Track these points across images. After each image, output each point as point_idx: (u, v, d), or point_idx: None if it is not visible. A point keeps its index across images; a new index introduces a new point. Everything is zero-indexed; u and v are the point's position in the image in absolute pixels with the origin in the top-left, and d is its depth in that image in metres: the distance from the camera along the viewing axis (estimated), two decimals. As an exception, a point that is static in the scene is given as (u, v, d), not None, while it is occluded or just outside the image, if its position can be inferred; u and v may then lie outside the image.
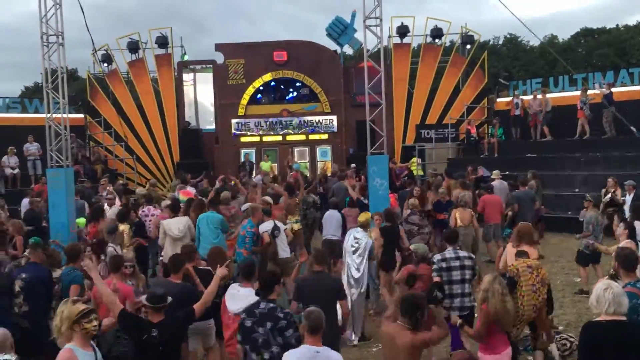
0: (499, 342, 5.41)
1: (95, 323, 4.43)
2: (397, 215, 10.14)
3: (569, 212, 14.41)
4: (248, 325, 5.10)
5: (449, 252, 6.87)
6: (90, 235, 10.07)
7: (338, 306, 6.22)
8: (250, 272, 6.04)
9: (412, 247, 7.78)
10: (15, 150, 17.95)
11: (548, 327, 6.74)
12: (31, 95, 34.13)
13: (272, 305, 5.14)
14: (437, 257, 6.89)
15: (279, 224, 9.56)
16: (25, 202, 13.15)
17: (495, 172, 14.64)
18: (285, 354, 4.51)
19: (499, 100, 22.27)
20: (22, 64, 78.39)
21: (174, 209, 9.75)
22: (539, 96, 18.48)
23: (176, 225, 9.34)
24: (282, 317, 5.05)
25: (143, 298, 5.20)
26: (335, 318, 6.01)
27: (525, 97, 20.08)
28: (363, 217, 8.90)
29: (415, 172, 18.51)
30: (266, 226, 9.32)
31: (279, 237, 9.33)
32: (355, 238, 8.52)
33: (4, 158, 17.62)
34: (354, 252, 8.38)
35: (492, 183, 13.51)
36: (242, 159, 21.53)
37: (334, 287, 6.18)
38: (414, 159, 20.51)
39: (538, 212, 13.42)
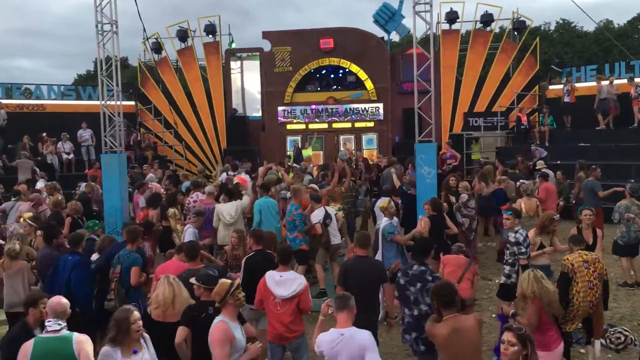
0: (552, 339, 5.32)
1: (243, 293, 4.89)
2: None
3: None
4: (402, 284, 5.77)
5: None
6: (140, 218, 10.37)
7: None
8: (288, 257, 6.13)
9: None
10: (68, 136, 18.56)
11: (602, 322, 6.57)
12: (84, 83, 35.18)
13: (423, 268, 5.75)
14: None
15: (330, 210, 9.60)
16: (82, 185, 13.59)
17: (539, 162, 14.34)
18: (322, 337, 4.57)
19: (551, 87, 21.61)
20: (75, 53, 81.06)
21: (229, 194, 9.95)
22: (595, 83, 17.87)
23: (228, 210, 9.55)
24: (430, 280, 5.62)
25: (193, 279, 5.32)
26: (378, 303, 5.99)
27: (578, 85, 19.46)
28: (382, 203, 8.94)
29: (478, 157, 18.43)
30: (318, 215, 9.33)
31: (330, 224, 9.40)
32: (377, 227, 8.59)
33: (59, 144, 18.24)
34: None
35: (544, 170, 13.22)
36: (291, 146, 21.77)
37: (378, 272, 6.12)
38: (475, 146, 20.34)
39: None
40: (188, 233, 8.53)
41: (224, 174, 14.23)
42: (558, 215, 8.26)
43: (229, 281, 4.87)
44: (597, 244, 8.01)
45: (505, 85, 21.53)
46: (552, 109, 19.39)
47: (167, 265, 6.77)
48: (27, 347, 4.39)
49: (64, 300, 4.69)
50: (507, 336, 4.02)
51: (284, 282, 5.73)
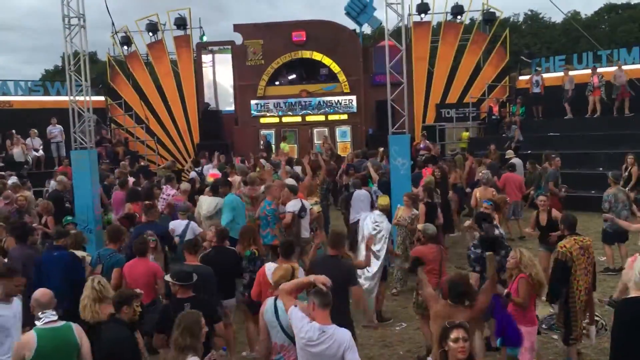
0: (534, 315, 5.85)
1: None
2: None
3: (592, 191, 14.24)
4: None
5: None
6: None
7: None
8: (291, 250, 6.12)
9: (419, 227, 7.55)
10: (37, 132, 18.16)
11: (594, 307, 6.64)
12: (52, 78, 34.47)
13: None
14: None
15: (306, 203, 9.56)
16: (52, 183, 13.33)
17: (509, 151, 14.60)
18: (299, 324, 4.41)
19: (521, 78, 21.91)
20: (43, 48, 79.29)
21: (213, 189, 9.99)
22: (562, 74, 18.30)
23: (208, 204, 9.61)
24: None
25: (168, 277, 5.28)
26: (347, 306, 5.75)
27: (546, 75, 19.79)
28: (384, 200, 8.81)
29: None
30: (293, 205, 9.29)
31: (304, 217, 9.36)
32: (376, 222, 8.45)
33: (27, 140, 17.85)
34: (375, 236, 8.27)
35: (512, 161, 13.47)
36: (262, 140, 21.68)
37: (347, 273, 5.85)
38: (466, 134, 20.48)
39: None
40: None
41: (194, 172, 14.13)
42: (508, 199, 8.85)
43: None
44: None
45: (477, 76, 21.76)
46: (523, 99, 19.70)
47: (134, 262, 6.73)
48: (30, 338, 4.36)
49: (48, 290, 4.68)
50: (460, 333, 3.85)
51: None
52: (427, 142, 17.95)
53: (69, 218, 8.79)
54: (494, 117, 19.75)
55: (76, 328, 4.50)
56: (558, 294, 6.06)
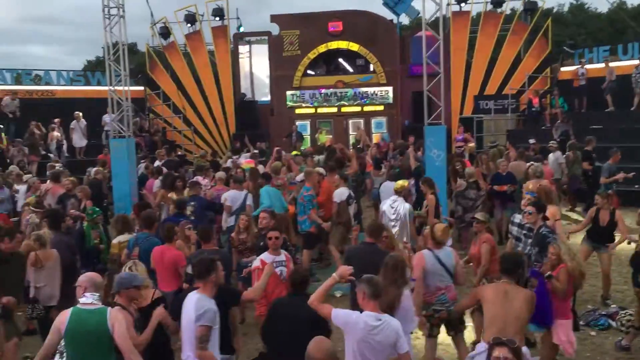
0: (569, 308, 5.83)
1: None
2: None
3: (636, 186, 13.78)
4: None
5: None
6: (168, 200, 10.33)
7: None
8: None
9: (479, 216, 7.35)
10: (81, 114, 18.41)
11: None
12: (93, 69, 35.19)
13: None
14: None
15: (351, 192, 9.59)
16: (92, 170, 13.61)
17: (551, 142, 14.26)
18: (352, 318, 4.39)
19: (563, 69, 21.32)
20: (86, 39, 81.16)
21: (238, 181, 10.08)
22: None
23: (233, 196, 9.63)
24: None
25: (189, 268, 5.30)
26: None
27: (589, 66, 19.22)
28: (399, 184, 8.83)
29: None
30: (341, 193, 9.30)
31: (352, 204, 9.40)
32: (392, 207, 8.49)
33: (73, 123, 18.15)
34: (393, 220, 8.32)
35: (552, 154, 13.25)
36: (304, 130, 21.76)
37: (382, 261, 5.77)
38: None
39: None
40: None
41: (230, 160, 14.26)
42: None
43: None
44: (618, 225, 8.08)
45: (517, 67, 21.24)
46: (564, 91, 19.18)
47: (161, 248, 6.85)
48: (66, 314, 4.45)
49: (98, 274, 4.82)
50: (502, 352, 3.68)
51: None
52: (465, 133, 17.70)
53: (90, 210, 8.90)
54: (533, 109, 19.27)
55: (111, 313, 4.45)
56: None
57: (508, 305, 4.81)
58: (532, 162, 11.51)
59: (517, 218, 7.47)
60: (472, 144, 15.85)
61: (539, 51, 21.29)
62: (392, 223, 8.27)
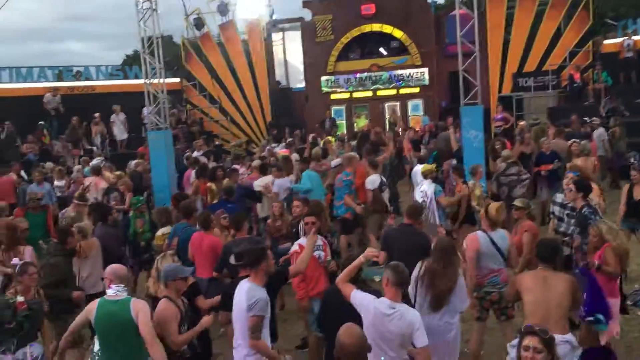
0: (617, 287, 5.69)
1: None
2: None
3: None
4: None
5: None
6: (203, 191, 10.50)
7: None
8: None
9: (518, 202, 7.11)
10: (120, 108, 18.77)
11: None
12: (132, 63, 35.76)
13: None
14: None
15: (383, 179, 9.51)
16: (133, 163, 13.88)
17: (594, 118, 13.79)
18: (366, 301, 4.41)
19: (606, 42, 20.54)
20: (123, 34, 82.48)
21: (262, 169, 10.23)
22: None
23: (258, 183, 9.75)
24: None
25: (231, 258, 5.34)
26: None
27: (637, 37, 18.47)
28: (426, 167, 8.84)
29: None
30: (373, 180, 9.24)
31: (385, 191, 9.33)
32: (421, 191, 8.49)
33: (112, 116, 18.51)
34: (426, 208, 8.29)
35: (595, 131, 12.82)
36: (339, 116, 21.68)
37: (421, 243, 5.89)
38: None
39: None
40: None
41: (267, 147, 14.33)
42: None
43: None
44: None
45: (557, 42, 20.55)
46: (608, 65, 18.50)
47: (200, 235, 6.91)
48: (94, 305, 4.64)
49: (123, 266, 4.95)
50: (532, 341, 3.58)
51: None
52: (504, 112, 17.29)
53: (134, 200, 9.10)
54: (575, 84, 18.66)
55: (134, 304, 4.55)
56: None
57: (548, 292, 4.67)
58: (574, 140, 11.17)
59: (559, 198, 7.29)
60: (522, 122, 15.37)
61: (580, 24, 20.52)
62: (427, 208, 8.23)
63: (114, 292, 4.60)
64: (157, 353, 4.40)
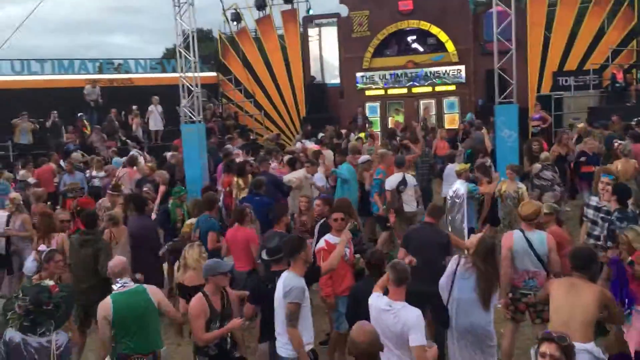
0: None
1: None
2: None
3: None
4: None
5: None
6: (225, 184, 10.63)
7: None
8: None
9: (545, 208, 7.00)
10: (158, 99, 19.02)
11: None
12: (171, 57, 36.29)
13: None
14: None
15: (409, 177, 9.38)
16: (168, 155, 14.09)
17: (635, 119, 13.38)
18: (372, 298, 4.53)
19: (651, 41, 19.89)
20: (164, 28, 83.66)
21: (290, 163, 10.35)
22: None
23: (295, 177, 9.80)
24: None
25: (264, 253, 5.38)
26: (439, 273, 5.63)
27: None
28: (460, 166, 8.80)
29: None
30: (393, 180, 9.16)
31: (405, 191, 9.19)
32: (454, 191, 8.41)
33: (150, 107, 18.82)
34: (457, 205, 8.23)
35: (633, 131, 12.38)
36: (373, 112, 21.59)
37: (440, 241, 5.97)
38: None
39: None
40: None
41: (299, 143, 14.35)
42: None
43: None
44: None
45: (599, 41, 19.99)
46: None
47: (235, 229, 6.96)
48: (106, 302, 4.76)
49: (122, 259, 5.10)
50: (549, 348, 3.50)
51: None
52: (542, 112, 16.93)
53: (177, 189, 9.27)
54: (617, 84, 18.13)
55: (150, 289, 4.90)
56: None
57: (573, 299, 4.55)
58: (617, 140, 10.85)
59: (594, 200, 7.11)
60: (581, 125, 14.87)
61: (624, 22, 19.92)
62: (457, 208, 8.13)
63: (121, 285, 4.82)
64: (176, 315, 5.06)
